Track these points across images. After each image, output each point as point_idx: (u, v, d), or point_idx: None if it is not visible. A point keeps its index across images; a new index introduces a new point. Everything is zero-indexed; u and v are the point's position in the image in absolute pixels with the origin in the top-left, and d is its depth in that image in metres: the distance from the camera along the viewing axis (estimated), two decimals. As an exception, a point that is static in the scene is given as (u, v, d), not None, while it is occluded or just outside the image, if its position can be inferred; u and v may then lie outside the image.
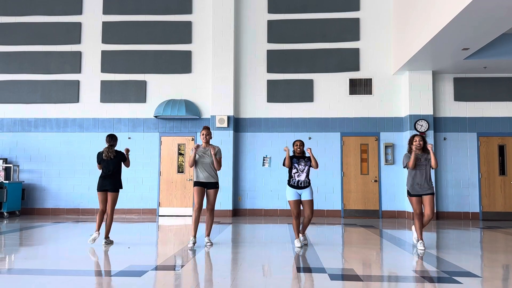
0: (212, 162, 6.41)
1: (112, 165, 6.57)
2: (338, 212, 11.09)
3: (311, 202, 6.37)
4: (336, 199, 11.14)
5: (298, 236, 6.38)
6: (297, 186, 6.37)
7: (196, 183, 6.41)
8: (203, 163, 6.42)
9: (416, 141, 6.29)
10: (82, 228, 8.75)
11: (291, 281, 4.42)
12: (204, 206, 6.57)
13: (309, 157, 6.47)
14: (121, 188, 6.71)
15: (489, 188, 10.91)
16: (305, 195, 6.37)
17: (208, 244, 6.39)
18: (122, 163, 6.74)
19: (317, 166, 6.43)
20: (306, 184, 6.39)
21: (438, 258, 5.70)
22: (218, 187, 6.48)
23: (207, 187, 6.44)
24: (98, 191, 6.60)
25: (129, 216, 10.97)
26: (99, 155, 6.67)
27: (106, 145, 6.66)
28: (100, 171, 6.73)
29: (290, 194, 6.40)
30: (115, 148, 6.75)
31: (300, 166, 6.41)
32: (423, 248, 6.13)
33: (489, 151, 11.00)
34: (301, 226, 6.51)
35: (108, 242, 6.55)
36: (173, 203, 11.27)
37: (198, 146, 6.42)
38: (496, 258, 5.85)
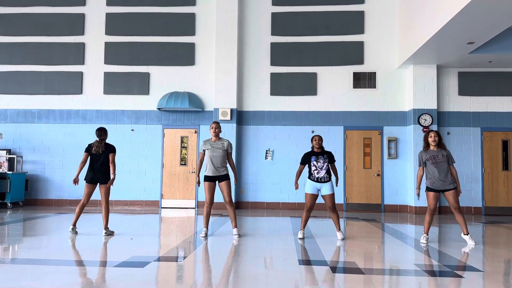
0: (222, 156, 6.55)
1: (102, 158, 6.57)
2: (340, 206, 11.09)
3: (331, 195, 6.39)
4: (339, 193, 11.12)
5: (303, 228, 6.53)
6: (317, 180, 6.41)
7: (206, 178, 6.55)
8: (213, 156, 6.51)
9: (431, 136, 6.28)
10: (85, 219, 8.77)
11: (292, 273, 4.43)
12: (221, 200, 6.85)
13: (329, 153, 6.51)
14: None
15: (492, 183, 10.89)
16: (325, 189, 6.40)
17: (236, 236, 6.55)
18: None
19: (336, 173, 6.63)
20: (327, 180, 6.41)
21: (440, 252, 5.70)
22: (229, 178, 6.62)
23: (219, 180, 6.57)
24: (87, 182, 6.58)
25: (132, 207, 11.01)
26: (89, 147, 6.64)
27: (97, 139, 6.63)
28: (82, 160, 6.58)
29: (308, 187, 6.46)
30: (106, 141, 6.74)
31: (319, 164, 6.41)
32: (425, 241, 6.22)
33: (493, 146, 10.96)
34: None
35: (108, 233, 6.57)
36: (175, 195, 11.30)
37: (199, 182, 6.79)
38: (498, 253, 5.84)
